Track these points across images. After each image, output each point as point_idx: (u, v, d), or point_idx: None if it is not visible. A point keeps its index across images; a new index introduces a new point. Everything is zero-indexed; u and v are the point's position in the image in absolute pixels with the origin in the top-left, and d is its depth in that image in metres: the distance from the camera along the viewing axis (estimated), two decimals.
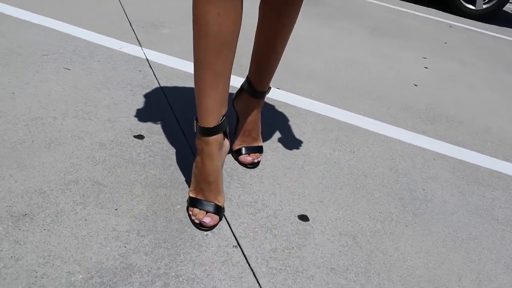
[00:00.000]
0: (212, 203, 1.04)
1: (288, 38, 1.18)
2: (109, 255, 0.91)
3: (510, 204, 1.40)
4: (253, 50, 1.22)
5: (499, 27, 4.41)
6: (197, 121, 1.03)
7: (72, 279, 0.85)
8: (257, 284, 0.92)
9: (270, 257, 0.99)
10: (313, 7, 3.43)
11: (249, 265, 0.96)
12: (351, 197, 1.26)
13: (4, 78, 1.50)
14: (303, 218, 1.13)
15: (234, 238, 1.02)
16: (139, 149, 1.27)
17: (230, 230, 1.04)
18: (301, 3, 1.12)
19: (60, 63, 1.69)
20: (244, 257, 0.98)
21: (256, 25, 1.27)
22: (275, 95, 1.79)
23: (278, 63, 1.23)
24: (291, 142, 1.47)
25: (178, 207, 1.08)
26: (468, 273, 1.07)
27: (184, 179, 1.18)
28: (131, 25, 2.24)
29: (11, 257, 0.87)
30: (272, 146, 1.42)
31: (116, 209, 1.04)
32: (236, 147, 1.30)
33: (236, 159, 1.30)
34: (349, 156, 1.46)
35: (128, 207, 1.05)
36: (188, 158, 1.27)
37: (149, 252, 0.94)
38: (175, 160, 1.25)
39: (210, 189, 1.04)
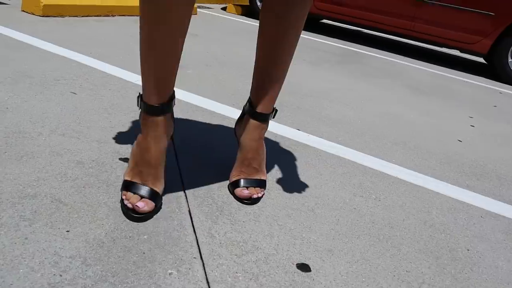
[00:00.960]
0: (149, 188, 0.94)
1: (291, 49, 1.02)
2: (36, 283, 0.70)
3: None
4: (254, 65, 1.07)
5: None
6: (142, 99, 0.94)
7: None
8: None
9: None
10: (349, 65, 3.31)
11: None
12: (370, 250, 0.99)
13: (5, 94, 1.42)
14: (303, 267, 0.88)
15: (206, 282, 0.78)
16: (120, 172, 1.09)
17: (203, 271, 0.81)
18: (304, 5, 0.97)
19: (68, 88, 1.60)
20: None
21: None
22: (294, 135, 1.59)
23: (281, 79, 1.05)
24: (302, 181, 1.24)
25: (145, 237, 0.87)
26: None
27: (164, 207, 0.98)
28: None
29: None
30: (279, 185, 1.20)
31: (68, 231, 0.84)
32: (233, 178, 1.10)
33: (232, 192, 1.08)
34: (373, 204, 1.21)
35: (82, 230, 0.85)
36: (175, 188, 1.07)
37: (88, 285, 0.72)
38: None
39: (149, 172, 0.94)
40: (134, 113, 1.49)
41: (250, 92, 1.09)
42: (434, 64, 4.41)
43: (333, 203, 1.17)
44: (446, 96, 2.96)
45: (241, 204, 1.06)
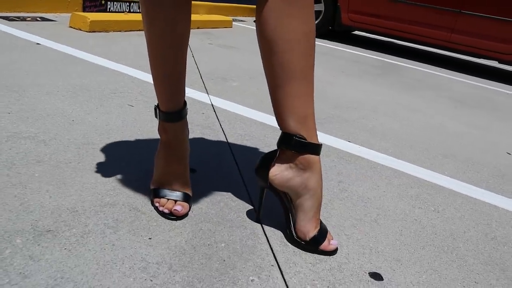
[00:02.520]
0: (180, 192, 0.98)
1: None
2: (130, 287, 0.74)
3: None
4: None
5: None
6: (159, 108, 0.98)
7: None
8: None
9: None
10: (389, 77, 3.31)
11: None
12: (436, 260, 1.00)
13: (69, 107, 1.49)
14: (376, 276, 0.89)
15: None
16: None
17: (282, 279, 0.83)
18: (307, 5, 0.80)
19: (125, 101, 1.66)
20: None
21: None
22: (345, 147, 1.61)
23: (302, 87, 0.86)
24: (362, 193, 1.26)
25: (223, 245, 0.90)
26: None
27: (234, 216, 1.01)
28: (201, 77, 2.23)
29: (20, 273, 0.73)
30: (340, 195, 1.22)
31: (150, 238, 0.88)
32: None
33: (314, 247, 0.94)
34: (432, 215, 1.21)
35: (164, 238, 0.89)
36: (241, 196, 1.11)
37: None
38: (226, 196, 1.09)
39: (177, 177, 0.99)
40: (191, 125, 1.53)
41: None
42: (473, 75, 4.35)
43: (394, 214, 1.18)
44: (490, 108, 2.92)
45: None
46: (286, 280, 0.83)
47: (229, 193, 1.11)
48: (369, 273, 0.90)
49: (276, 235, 0.97)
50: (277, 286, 0.81)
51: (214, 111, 1.73)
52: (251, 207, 1.07)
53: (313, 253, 0.92)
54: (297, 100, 0.84)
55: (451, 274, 0.96)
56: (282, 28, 0.80)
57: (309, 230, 0.91)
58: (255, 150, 1.42)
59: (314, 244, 0.91)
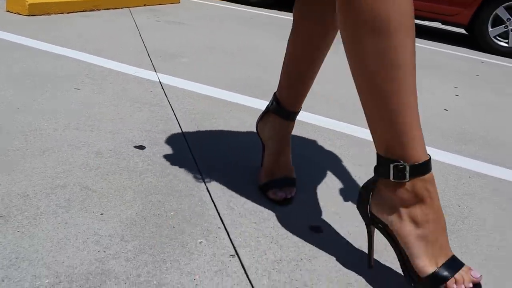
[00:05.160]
0: (289, 177, 1.09)
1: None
2: (84, 259, 0.79)
3: None
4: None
5: None
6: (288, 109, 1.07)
7: (37, 283, 0.73)
8: None
9: (273, 269, 0.84)
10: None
11: (247, 276, 0.81)
12: None
13: (12, 95, 1.48)
14: (316, 229, 0.98)
15: (232, 247, 0.88)
16: (137, 159, 1.17)
17: (228, 239, 0.90)
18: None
19: (71, 85, 1.66)
20: (242, 267, 0.83)
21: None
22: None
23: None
24: (309, 156, 1.34)
25: (172, 213, 0.96)
26: None
27: (183, 187, 1.07)
28: (148, 55, 2.23)
29: None
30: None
31: (101, 214, 0.92)
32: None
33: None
34: (372, 171, 1.31)
35: (115, 212, 0.93)
36: (189, 168, 1.16)
37: (131, 258, 0.81)
38: (174, 169, 1.15)
39: (281, 169, 1.09)
40: (139, 103, 1.56)
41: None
42: (418, 37, 4.51)
43: (336, 173, 1.27)
44: (429, 67, 3.07)
45: (253, 178, 1.15)
46: (232, 240, 0.90)
47: (177, 166, 1.16)
48: (309, 226, 0.99)
49: (222, 200, 1.03)
50: (223, 245, 0.88)
51: (163, 89, 1.76)
52: (199, 176, 1.13)
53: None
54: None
55: None
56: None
57: (424, 267, 0.75)
58: (202, 124, 1.47)
59: (432, 284, 0.75)
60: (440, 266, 0.75)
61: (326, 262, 0.88)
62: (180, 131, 1.38)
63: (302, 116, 1.66)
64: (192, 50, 2.48)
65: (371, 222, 0.81)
